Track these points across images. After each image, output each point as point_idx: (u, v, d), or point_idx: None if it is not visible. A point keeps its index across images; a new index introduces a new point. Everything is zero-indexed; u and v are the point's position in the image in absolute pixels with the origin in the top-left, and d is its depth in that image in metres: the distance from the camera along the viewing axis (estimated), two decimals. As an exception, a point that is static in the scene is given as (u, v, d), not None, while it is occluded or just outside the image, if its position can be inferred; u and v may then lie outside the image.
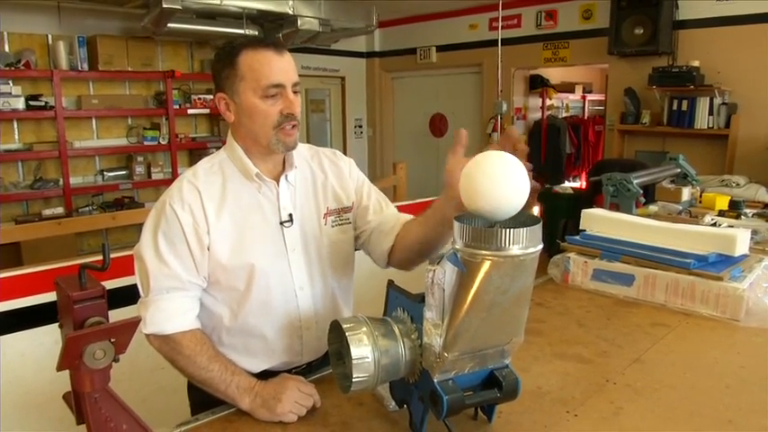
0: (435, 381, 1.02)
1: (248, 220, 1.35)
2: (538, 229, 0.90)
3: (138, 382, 2.27)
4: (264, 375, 1.36)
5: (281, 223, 1.38)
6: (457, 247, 0.93)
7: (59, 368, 0.88)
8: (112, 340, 0.88)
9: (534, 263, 0.92)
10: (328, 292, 1.48)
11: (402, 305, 1.11)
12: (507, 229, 0.88)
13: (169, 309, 1.29)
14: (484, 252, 0.89)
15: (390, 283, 1.17)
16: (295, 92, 1.34)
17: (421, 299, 1.03)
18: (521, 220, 0.95)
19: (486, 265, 0.89)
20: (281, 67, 1.31)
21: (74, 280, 0.89)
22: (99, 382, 0.92)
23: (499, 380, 1.06)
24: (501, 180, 0.89)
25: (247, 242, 1.34)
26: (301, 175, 1.45)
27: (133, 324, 0.88)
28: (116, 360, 0.93)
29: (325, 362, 1.49)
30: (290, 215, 1.39)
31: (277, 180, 1.39)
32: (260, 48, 1.32)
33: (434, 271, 0.97)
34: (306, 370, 1.48)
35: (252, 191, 1.38)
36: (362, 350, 1.03)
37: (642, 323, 1.72)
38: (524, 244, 0.89)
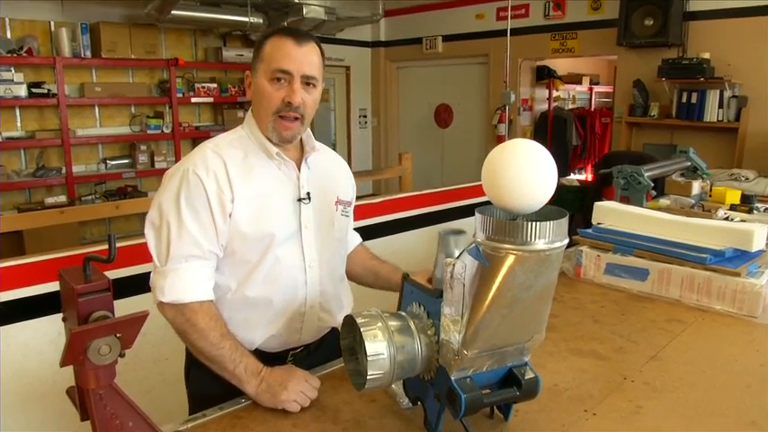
0: (453, 379, 0.98)
1: (269, 192, 1.37)
2: (564, 223, 0.86)
3: (142, 372, 2.24)
4: (263, 358, 1.33)
5: (299, 200, 1.39)
6: (479, 239, 0.89)
7: (63, 364, 0.85)
8: (118, 335, 0.84)
9: (559, 258, 0.88)
10: (334, 274, 1.49)
11: (418, 300, 1.08)
12: (533, 223, 0.83)
13: (189, 277, 1.27)
14: (508, 246, 0.85)
15: (406, 277, 1.13)
16: (308, 83, 1.35)
17: (439, 294, 0.99)
18: (545, 212, 0.91)
19: (509, 260, 0.85)
20: (295, 55, 1.32)
21: (78, 272, 0.86)
22: (104, 379, 0.88)
23: (518, 378, 1.02)
24: (528, 171, 0.84)
25: (268, 213, 1.35)
26: (316, 161, 1.48)
27: (140, 318, 0.84)
28: (122, 355, 0.89)
29: (323, 347, 1.49)
30: (308, 193, 1.41)
31: (295, 161, 1.41)
32: (283, 35, 1.35)
33: (454, 265, 0.93)
34: (304, 353, 1.48)
35: (272, 168, 1.39)
36: (378, 346, 0.99)
37: (657, 319, 1.68)
38: (550, 238, 0.85)
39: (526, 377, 1.02)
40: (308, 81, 1.34)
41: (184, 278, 1.27)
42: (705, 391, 1.27)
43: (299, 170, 1.41)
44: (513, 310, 0.91)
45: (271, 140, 1.37)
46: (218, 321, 1.28)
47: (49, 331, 2.07)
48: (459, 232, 1.07)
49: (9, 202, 5.05)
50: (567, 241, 0.87)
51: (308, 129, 1.46)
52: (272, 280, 1.37)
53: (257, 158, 1.37)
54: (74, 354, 0.83)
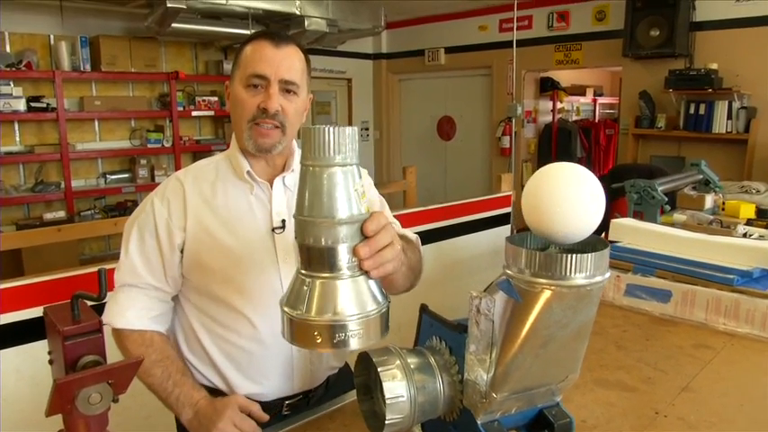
0: (479, 423, 0.89)
1: (236, 223, 1.24)
2: (606, 254, 0.78)
3: (141, 398, 2.12)
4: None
5: (273, 229, 1.25)
6: (510, 272, 0.80)
7: (48, 413, 0.76)
8: (110, 381, 0.76)
9: (600, 292, 0.80)
10: None
11: (438, 334, 0.99)
12: (572, 255, 0.75)
13: (124, 303, 1.24)
14: (544, 281, 0.76)
15: (424, 308, 1.04)
16: (288, 90, 1.23)
17: (463, 329, 0.91)
18: (583, 241, 0.82)
19: (545, 296, 0.76)
20: (272, 58, 1.21)
21: (65, 310, 0.77)
22: (95, 428, 0.79)
23: (550, 421, 0.93)
24: (576, 198, 0.75)
25: (232, 246, 1.23)
26: None
27: (134, 365, 0.76)
28: (115, 401, 0.81)
29: (329, 395, 1.36)
30: (284, 221, 1.26)
31: (272, 182, 1.28)
32: (260, 37, 1.24)
33: (481, 299, 0.84)
34: (303, 402, 1.34)
35: (244, 192, 1.27)
36: (397, 387, 0.90)
37: (684, 345, 1.59)
38: (591, 272, 0.76)
39: (559, 421, 0.93)
40: (287, 88, 1.22)
41: (120, 302, 1.25)
42: (745, 428, 1.18)
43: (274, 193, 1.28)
44: (548, 350, 0.83)
45: (248, 153, 1.26)
46: (150, 348, 1.22)
47: (41, 356, 1.98)
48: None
49: (7, 217, 4.98)
50: (608, 275, 0.78)
51: (295, 146, 1.32)
52: (245, 321, 1.24)
53: (228, 183, 1.27)
54: (60, 403, 0.75)
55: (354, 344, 0.77)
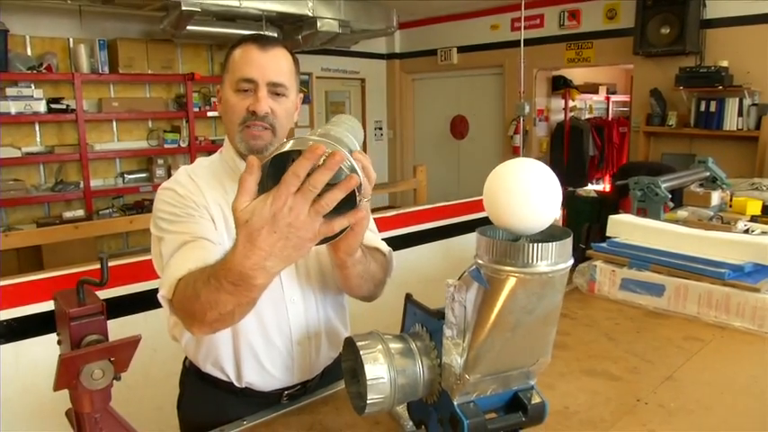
0: (455, 403, 0.95)
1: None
2: (568, 243, 0.83)
3: (153, 389, 2.23)
4: (255, 397, 1.31)
5: None
6: (480, 261, 0.86)
7: (56, 388, 0.83)
8: (112, 359, 0.83)
9: (564, 280, 0.85)
10: (321, 306, 1.38)
11: (420, 321, 1.05)
12: (534, 244, 0.80)
13: (178, 262, 1.11)
14: (509, 268, 0.82)
15: (408, 297, 1.10)
16: (277, 93, 1.26)
17: (442, 315, 0.97)
18: (548, 231, 0.88)
19: (511, 283, 0.82)
20: (259, 62, 1.24)
21: (72, 295, 0.84)
22: (99, 403, 0.87)
23: (524, 403, 0.98)
24: (530, 193, 0.81)
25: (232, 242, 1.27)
26: None
27: (133, 342, 0.83)
28: (117, 378, 0.88)
29: (323, 382, 1.42)
30: None
31: None
32: (247, 41, 1.28)
33: (455, 286, 0.90)
34: (300, 391, 1.39)
35: None
36: (378, 370, 0.97)
37: (674, 337, 1.64)
38: (553, 260, 0.81)
39: (532, 402, 0.98)
40: (276, 90, 1.25)
41: (171, 266, 1.12)
42: (723, 415, 1.23)
43: None
44: (516, 334, 0.88)
45: (242, 155, 1.30)
46: (189, 280, 1.06)
47: (58, 347, 2.07)
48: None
49: (28, 216, 5.12)
50: (571, 263, 0.84)
51: None
52: (251, 316, 1.22)
53: (230, 182, 1.30)
54: (66, 378, 0.82)
55: None
